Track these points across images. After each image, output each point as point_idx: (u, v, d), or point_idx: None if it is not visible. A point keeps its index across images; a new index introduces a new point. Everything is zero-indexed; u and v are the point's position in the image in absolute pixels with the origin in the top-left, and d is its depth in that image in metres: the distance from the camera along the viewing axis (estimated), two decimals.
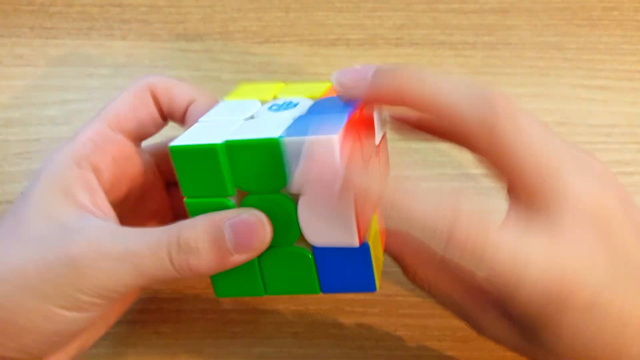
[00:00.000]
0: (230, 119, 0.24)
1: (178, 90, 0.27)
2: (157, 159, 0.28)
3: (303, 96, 0.25)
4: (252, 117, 0.24)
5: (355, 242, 0.22)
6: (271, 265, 0.24)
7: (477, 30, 0.40)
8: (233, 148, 0.21)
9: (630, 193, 0.35)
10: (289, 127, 0.22)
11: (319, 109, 0.24)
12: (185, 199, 0.23)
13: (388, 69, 0.23)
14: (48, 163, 0.24)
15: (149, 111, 0.27)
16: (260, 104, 0.25)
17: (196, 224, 0.22)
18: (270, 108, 0.24)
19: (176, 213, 0.29)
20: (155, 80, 0.27)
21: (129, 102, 0.26)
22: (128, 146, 0.26)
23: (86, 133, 0.25)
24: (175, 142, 0.22)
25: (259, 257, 0.23)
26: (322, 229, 0.22)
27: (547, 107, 0.37)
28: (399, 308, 0.31)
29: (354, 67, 0.23)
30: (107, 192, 0.25)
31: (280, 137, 0.21)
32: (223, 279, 0.24)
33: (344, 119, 0.22)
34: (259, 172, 0.22)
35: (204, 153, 0.21)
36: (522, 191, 0.22)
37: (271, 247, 0.23)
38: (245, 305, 0.31)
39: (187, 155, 0.22)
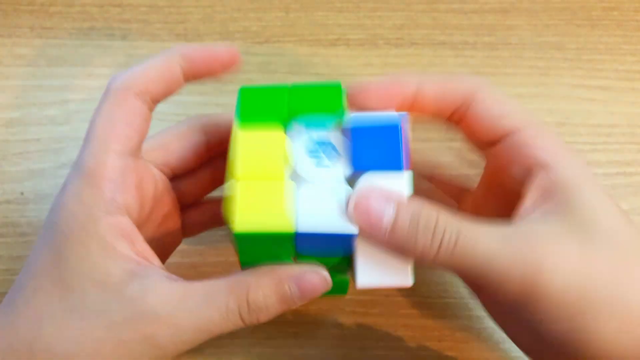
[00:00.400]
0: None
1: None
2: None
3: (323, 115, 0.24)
4: (297, 174, 0.23)
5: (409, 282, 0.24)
6: None
7: (477, 31, 0.40)
8: (303, 235, 0.22)
9: (630, 193, 0.35)
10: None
11: (366, 161, 0.23)
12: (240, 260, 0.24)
13: None
14: (69, 212, 0.23)
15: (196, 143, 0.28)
16: (284, 136, 0.24)
17: (262, 284, 0.23)
18: (311, 155, 0.23)
19: (182, 205, 0.29)
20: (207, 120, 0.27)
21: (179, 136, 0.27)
22: (147, 170, 0.26)
23: (103, 168, 0.23)
24: (238, 227, 0.22)
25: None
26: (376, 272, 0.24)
27: (547, 107, 0.37)
28: (399, 308, 0.31)
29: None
30: (138, 225, 0.24)
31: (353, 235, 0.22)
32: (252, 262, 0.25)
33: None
34: (323, 251, 0.23)
35: (272, 237, 0.22)
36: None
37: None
38: None
39: (253, 238, 0.22)
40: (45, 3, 0.40)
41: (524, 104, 0.37)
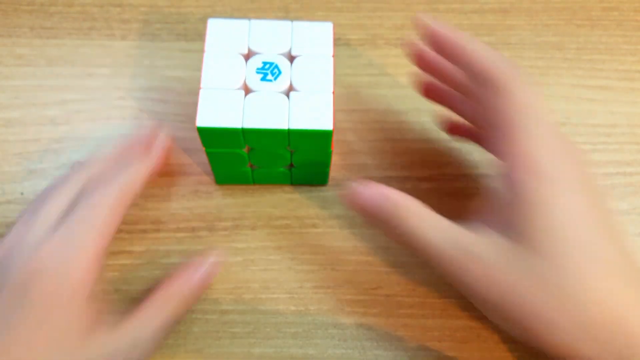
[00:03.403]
0: (229, 87, 0.29)
1: None
2: None
3: (275, 49, 0.30)
4: (246, 87, 0.29)
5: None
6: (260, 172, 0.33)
7: (477, 30, 0.40)
8: (249, 132, 0.28)
9: (629, 193, 0.35)
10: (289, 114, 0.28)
11: (303, 81, 0.29)
12: (206, 149, 0.30)
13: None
14: (47, 298, 0.26)
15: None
16: (243, 60, 0.29)
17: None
18: (257, 72, 0.29)
19: None
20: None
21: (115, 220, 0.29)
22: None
23: (82, 264, 0.27)
24: (201, 123, 0.28)
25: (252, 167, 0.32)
26: None
27: (547, 107, 0.37)
28: (399, 308, 0.31)
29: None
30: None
31: (288, 129, 0.28)
32: (223, 173, 0.33)
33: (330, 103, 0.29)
34: (268, 144, 0.29)
35: (228, 132, 0.28)
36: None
37: (265, 167, 0.32)
38: (245, 306, 0.31)
39: (213, 132, 0.28)
40: (45, 3, 0.39)
41: None
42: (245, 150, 0.30)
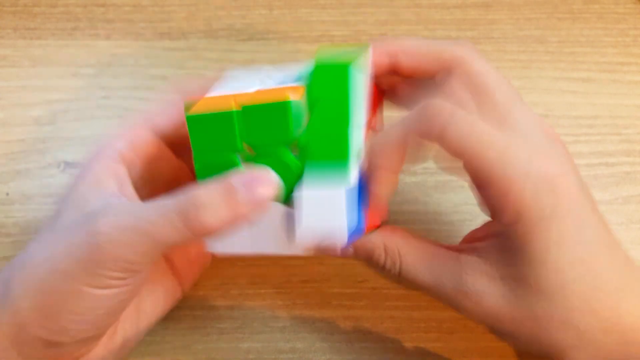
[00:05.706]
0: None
1: None
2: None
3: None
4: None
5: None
6: None
7: (460, 25, 0.40)
8: (247, 111, 0.24)
9: (611, 183, 0.35)
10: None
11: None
12: (194, 156, 0.25)
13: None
14: (87, 160, 0.26)
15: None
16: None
17: (206, 185, 0.23)
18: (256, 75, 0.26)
19: None
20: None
21: (172, 113, 0.27)
22: (165, 150, 0.28)
23: (125, 132, 0.27)
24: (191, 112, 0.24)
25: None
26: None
27: (530, 100, 0.38)
28: (385, 300, 0.32)
29: None
30: (139, 189, 0.26)
31: (291, 101, 0.23)
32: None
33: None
34: (269, 130, 0.24)
35: (219, 117, 0.24)
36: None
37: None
38: (232, 301, 0.31)
39: (202, 120, 0.24)
40: (29, 4, 0.39)
41: None
42: (240, 157, 0.25)
